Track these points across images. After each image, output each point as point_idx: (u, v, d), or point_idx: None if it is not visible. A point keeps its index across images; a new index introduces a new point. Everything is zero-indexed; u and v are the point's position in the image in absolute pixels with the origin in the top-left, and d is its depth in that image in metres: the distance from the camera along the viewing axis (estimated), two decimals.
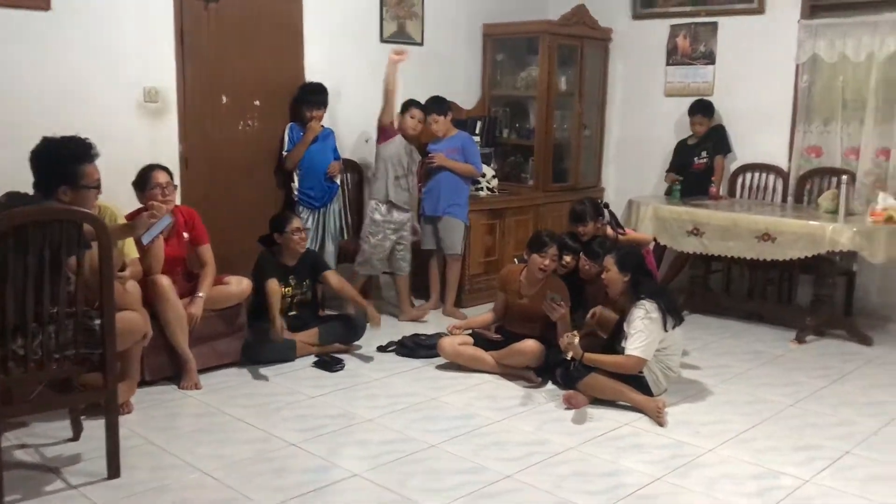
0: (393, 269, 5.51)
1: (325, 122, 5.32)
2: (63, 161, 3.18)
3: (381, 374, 4.45)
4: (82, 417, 3.50)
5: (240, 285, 4.46)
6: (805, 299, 5.59)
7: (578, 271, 4.59)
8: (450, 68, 6.31)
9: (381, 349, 4.82)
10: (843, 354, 4.96)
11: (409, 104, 5.39)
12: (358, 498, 3.04)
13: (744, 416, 3.93)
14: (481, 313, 4.85)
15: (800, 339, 5.16)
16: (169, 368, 4.19)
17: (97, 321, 3.04)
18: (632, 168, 6.77)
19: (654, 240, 5.57)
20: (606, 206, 4.97)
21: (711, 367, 4.66)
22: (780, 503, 3.07)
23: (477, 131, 6.22)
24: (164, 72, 4.75)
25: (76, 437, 3.47)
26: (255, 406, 3.94)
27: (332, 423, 3.74)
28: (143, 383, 4.01)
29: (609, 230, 4.82)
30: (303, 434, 3.60)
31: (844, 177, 5.22)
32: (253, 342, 4.51)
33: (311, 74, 5.40)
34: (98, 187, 3.37)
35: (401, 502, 3.01)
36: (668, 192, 6.12)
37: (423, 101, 5.47)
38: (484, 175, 5.98)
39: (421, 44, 6.09)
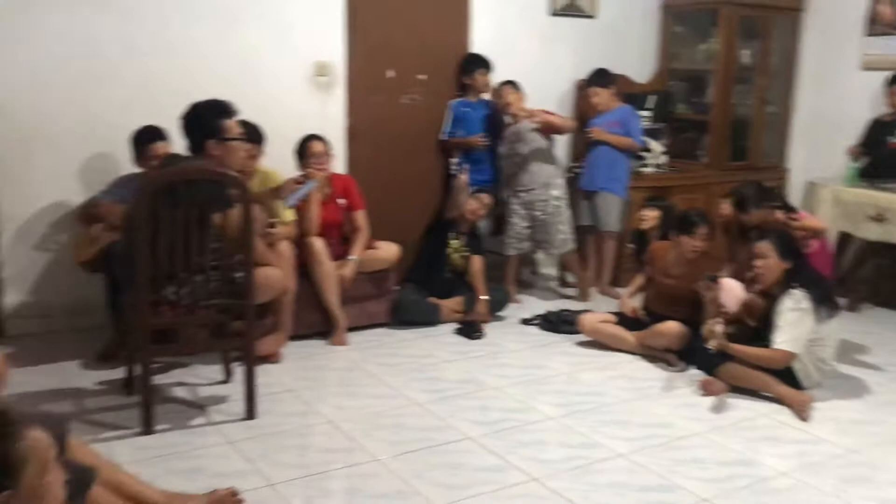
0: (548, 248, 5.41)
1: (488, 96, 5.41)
2: (206, 117, 3.37)
3: (519, 346, 4.48)
4: (235, 363, 3.81)
5: (389, 250, 4.67)
6: None
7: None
8: (623, 41, 6.12)
9: (525, 322, 4.84)
10: None
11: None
12: (467, 460, 3.12)
13: None
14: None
15: None
16: (321, 325, 4.46)
17: (239, 274, 3.31)
18: (821, 147, 6.24)
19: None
20: (774, 189, 4.65)
21: (881, 364, 4.28)
22: None
23: (648, 105, 6.02)
24: (333, 46, 5.01)
25: (227, 380, 3.82)
26: (392, 365, 4.12)
27: (460, 388, 3.83)
28: (297, 337, 4.31)
29: (779, 214, 4.48)
30: (429, 395, 3.73)
31: None
32: (402, 302, 4.71)
33: (478, 48, 5.47)
34: (242, 139, 3.53)
35: (505, 468, 3.06)
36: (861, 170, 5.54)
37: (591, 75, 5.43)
38: (648, 150, 5.79)
39: (593, 16, 5.97)
